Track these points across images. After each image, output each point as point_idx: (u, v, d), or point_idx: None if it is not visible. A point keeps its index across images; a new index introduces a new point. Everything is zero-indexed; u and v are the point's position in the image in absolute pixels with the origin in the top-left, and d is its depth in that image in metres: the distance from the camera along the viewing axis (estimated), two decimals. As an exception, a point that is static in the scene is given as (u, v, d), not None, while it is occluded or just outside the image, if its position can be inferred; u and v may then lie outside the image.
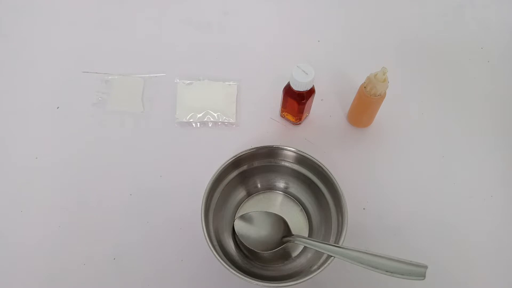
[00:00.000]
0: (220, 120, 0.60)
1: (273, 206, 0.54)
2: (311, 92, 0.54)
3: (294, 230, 0.49)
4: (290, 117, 0.59)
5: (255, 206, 0.54)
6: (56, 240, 0.53)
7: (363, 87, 0.53)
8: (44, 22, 0.68)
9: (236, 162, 0.50)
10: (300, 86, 0.51)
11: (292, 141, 0.59)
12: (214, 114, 0.60)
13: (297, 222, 0.53)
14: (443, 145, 0.59)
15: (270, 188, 0.55)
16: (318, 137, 0.59)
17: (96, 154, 0.58)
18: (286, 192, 0.55)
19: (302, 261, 0.50)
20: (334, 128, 0.60)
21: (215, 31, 0.67)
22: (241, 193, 0.54)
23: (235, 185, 0.52)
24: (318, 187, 0.51)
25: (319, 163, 0.49)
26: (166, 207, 0.54)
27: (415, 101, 0.62)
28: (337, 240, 0.46)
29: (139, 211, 0.54)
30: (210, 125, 0.60)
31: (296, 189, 0.54)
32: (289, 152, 0.51)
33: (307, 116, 0.60)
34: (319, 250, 0.45)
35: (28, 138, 0.59)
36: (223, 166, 0.48)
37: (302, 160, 0.51)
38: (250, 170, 0.52)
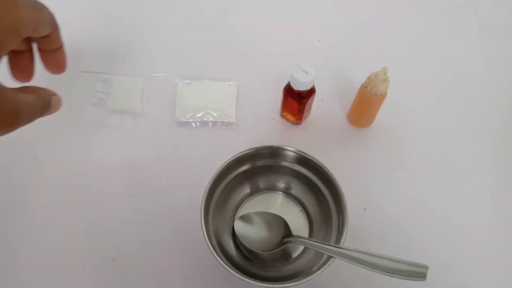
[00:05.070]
0: (220, 120, 0.59)
1: (273, 207, 0.54)
2: (311, 92, 0.54)
3: (294, 231, 0.49)
4: (290, 117, 0.58)
5: (255, 206, 0.54)
6: (56, 240, 0.52)
7: (364, 86, 0.53)
8: (44, 22, 0.67)
9: (236, 162, 0.50)
10: (300, 85, 0.51)
11: (292, 141, 0.59)
12: (214, 114, 0.60)
13: (297, 222, 0.53)
14: (443, 145, 0.59)
15: (270, 188, 0.55)
16: (318, 137, 0.59)
17: (96, 154, 0.57)
18: (286, 192, 0.55)
19: (302, 261, 0.49)
20: (335, 128, 0.60)
21: (215, 30, 0.67)
22: (241, 193, 0.54)
23: (235, 185, 0.52)
24: (318, 187, 0.51)
25: (319, 163, 0.49)
26: (166, 208, 0.54)
27: (415, 101, 0.62)
28: (337, 240, 0.46)
29: (139, 212, 0.54)
30: (210, 125, 0.60)
31: (296, 189, 0.54)
32: (290, 152, 0.51)
33: (307, 116, 0.60)
34: (320, 250, 0.45)
35: (28, 138, 0.58)
36: (223, 166, 0.48)
37: (303, 160, 0.50)
38: (250, 170, 0.52)
